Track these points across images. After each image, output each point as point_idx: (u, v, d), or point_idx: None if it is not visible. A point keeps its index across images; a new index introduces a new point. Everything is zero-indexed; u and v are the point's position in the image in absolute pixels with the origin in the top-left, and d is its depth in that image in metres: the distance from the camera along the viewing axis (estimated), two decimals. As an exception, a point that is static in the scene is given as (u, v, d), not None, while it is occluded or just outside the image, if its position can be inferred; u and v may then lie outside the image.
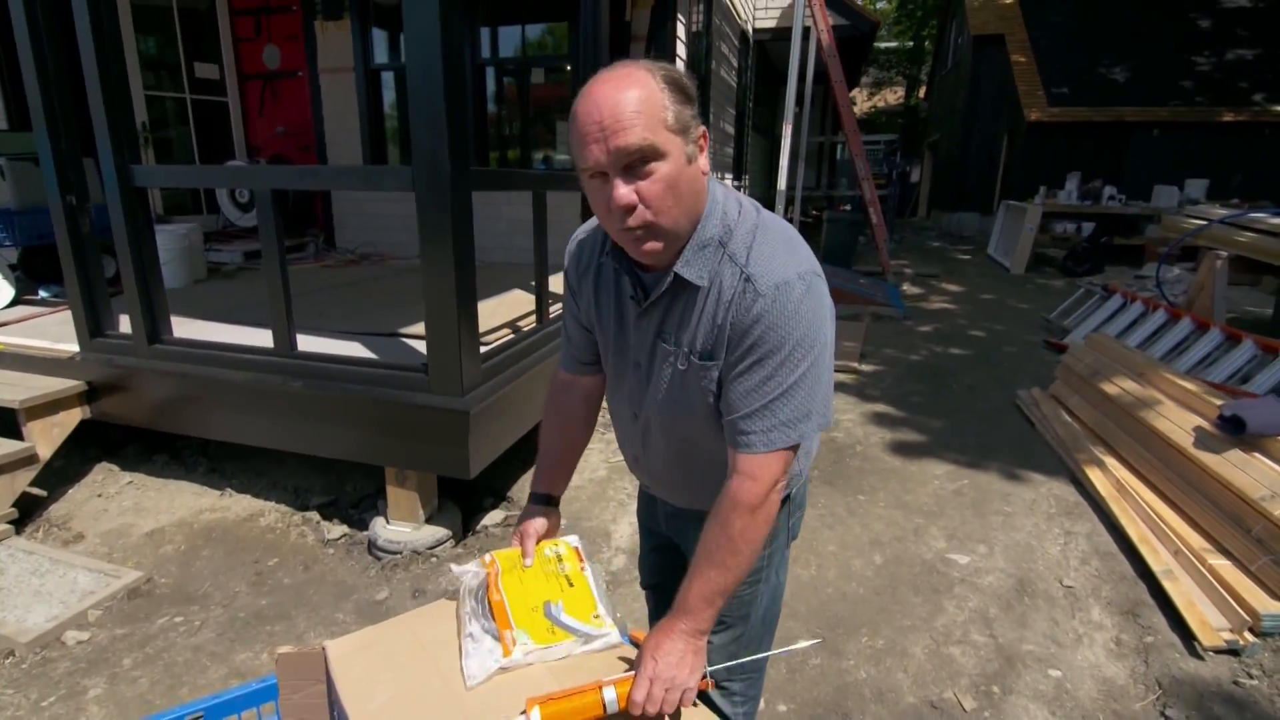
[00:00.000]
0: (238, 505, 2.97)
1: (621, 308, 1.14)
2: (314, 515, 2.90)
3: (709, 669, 1.08)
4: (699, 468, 1.16)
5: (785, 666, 2.08)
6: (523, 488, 3.17)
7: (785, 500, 1.22)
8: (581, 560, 1.28)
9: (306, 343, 2.79)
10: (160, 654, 2.12)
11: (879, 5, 25.25)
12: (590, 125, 0.90)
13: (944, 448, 3.70)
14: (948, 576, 2.57)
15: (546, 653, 1.11)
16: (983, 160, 14.59)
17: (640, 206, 0.92)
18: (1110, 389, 3.66)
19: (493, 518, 2.93)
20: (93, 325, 2.98)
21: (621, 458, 3.37)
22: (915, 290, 8.08)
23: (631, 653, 1.12)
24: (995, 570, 2.63)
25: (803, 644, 1.20)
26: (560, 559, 1.27)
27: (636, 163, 0.90)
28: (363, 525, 2.86)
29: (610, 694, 1.05)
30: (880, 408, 4.26)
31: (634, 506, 3.01)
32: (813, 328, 0.98)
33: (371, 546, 2.69)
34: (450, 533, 2.71)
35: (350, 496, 3.06)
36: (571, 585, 1.23)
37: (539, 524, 1.28)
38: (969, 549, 2.76)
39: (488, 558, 1.26)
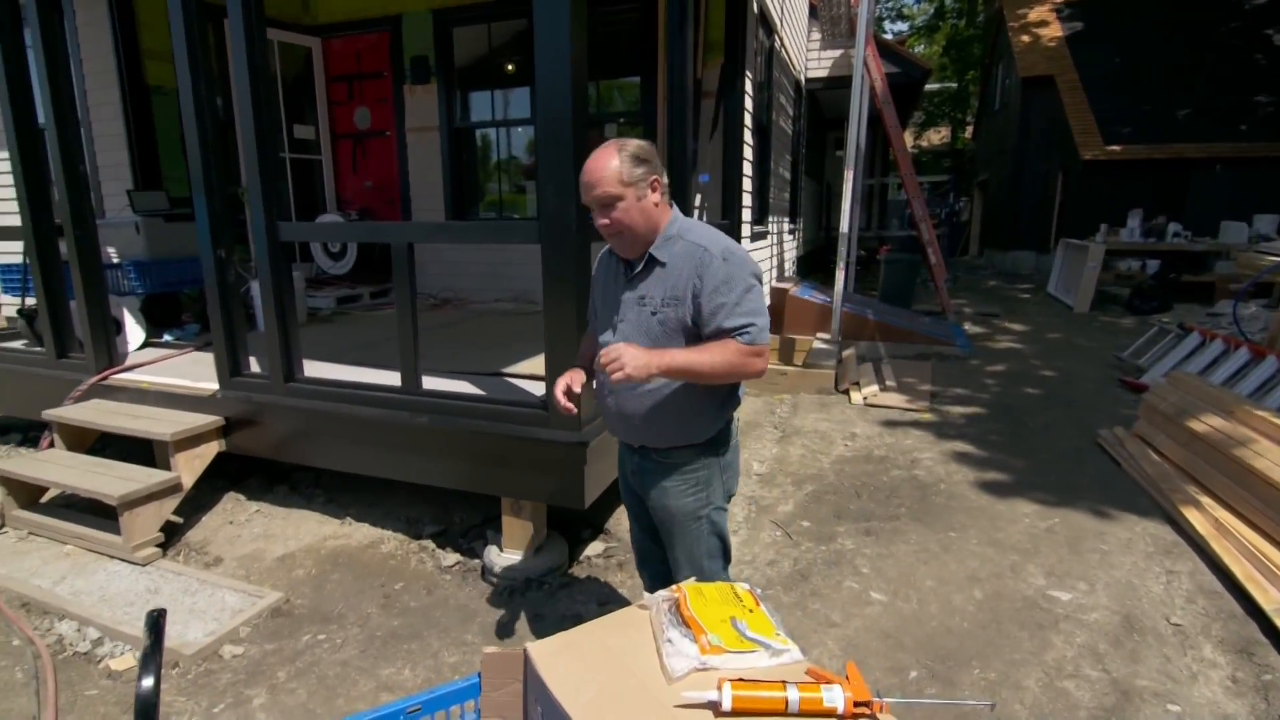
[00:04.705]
0: (358, 533, 3.18)
1: (616, 282, 1.78)
2: (429, 544, 3.09)
3: (883, 698, 1.18)
4: (652, 397, 1.70)
5: (901, 695, 2.14)
6: (618, 520, 3.31)
7: (717, 456, 1.78)
8: (757, 601, 1.42)
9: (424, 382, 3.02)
10: (311, 668, 2.30)
11: (918, 49, 25.62)
12: (583, 183, 1.64)
13: (1029, 486, 3.71)
14: (1051, 613, 2.60)
15: (739, 658, 1.24)
16: (1036, 199, 14.52)
17: (611, 225, 1.64)
18: (1199, 428, 3.64)
19: (594, 549, 3.07)
20: (233, 365, 3.27)
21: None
22: (977, 329, 8.06)
23: (818, 671, 1.23)
24: (1099, 607, 2.64)
25: (979, 703, 1.37)
26: (738, 596, 1.42)
27: (606, 203, 1.62)
28: (472, 554, 3.03)
29: (794, 694, 1.17)
30: (959, 446, 4.29)
31: (730, 539, 3.11)
32: (752, 273, 1.64)
33: (485, 573, 2.85)
34: (560, 562, 2.86)
35: (459, 527, 3.25)
36: (751, 613, 1.36)
37: (579, 374, 1.85)
38: (1069, 586, 2.78)
39: (674, 587, 1.42)
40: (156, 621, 0.83)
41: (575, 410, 1.78)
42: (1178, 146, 11.79)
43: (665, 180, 1.68)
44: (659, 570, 1.97)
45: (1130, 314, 8.98)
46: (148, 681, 0.77)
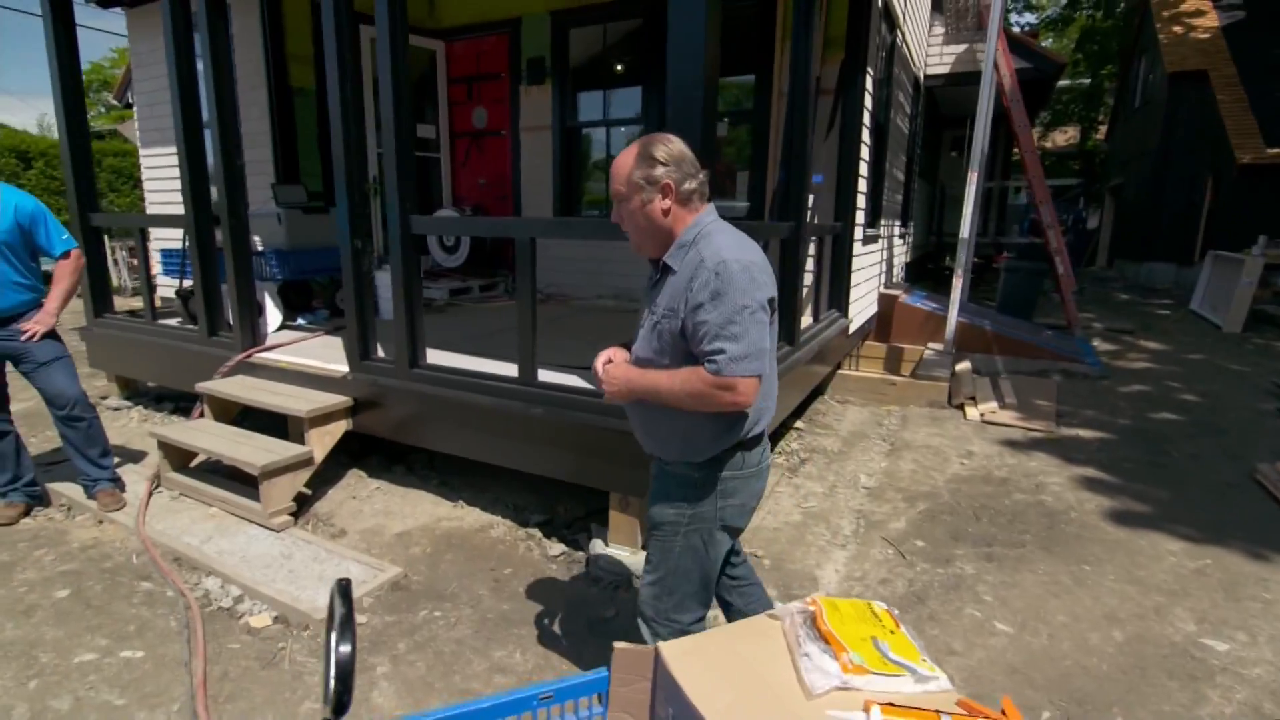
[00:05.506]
0: (470, 517, 3.30)
1: (645, 289, 1.73)
2: (535, 532, 3.16)
3: None
4: (652, 411, 1.64)
5: (1033, 736, 1.99)
6: (721, 524, 3.26)
7: (716, 479, 1.63)
8: (896, 622, 1.34)
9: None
10: (428, 643, 2.40)
11: (1046, 43, 23.85)
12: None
13: (1173, 521, 3.37)
14: (1205, 664, 2.34)
15: (884, 681, 1.18)
16: (1180, 206, 13.25)
17: (619, 223, 1.65)
18: (1391, 469, 3.19)
19: (696, 550, 3.04)
20: (363, 350, 3.47)
21: (814, 504, 3.40)
22: (1107, 347, 7.44)
23: (971, 704, 1.14)
24: (1262, 662, 2.35)
25: None
26: (876, 615, 1.35)
27: (616, 199, 1.62)
28: (576, 545, 3.07)
29: (946, 726, 1.09)
30: (1090, 473, 3.96)
31: (838, 553, 3.01)
32: (745, 291, 1.46)
33: (589, 565, 2.88)
34: (664, 561, 2.85)
35: (563, 517, 3.31)
36: (892, 634, 1.29)
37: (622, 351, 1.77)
38: (1226, 636, 2.50)
39: (808, 599, 1.37)
40: (346, 590, 0.87)
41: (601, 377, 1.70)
42: (1358, 149, 10.44)
43: (692, 185, 1.57)
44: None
45: (1292, 336, 8.03)
46: (345, 648, 0.81)
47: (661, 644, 1.32)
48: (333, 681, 0.72)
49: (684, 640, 1.34)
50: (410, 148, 3.20)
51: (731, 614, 1.93)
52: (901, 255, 8.96)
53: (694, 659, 1.29)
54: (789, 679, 1.23)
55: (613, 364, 1.67)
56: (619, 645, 1.35)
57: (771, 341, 1.61)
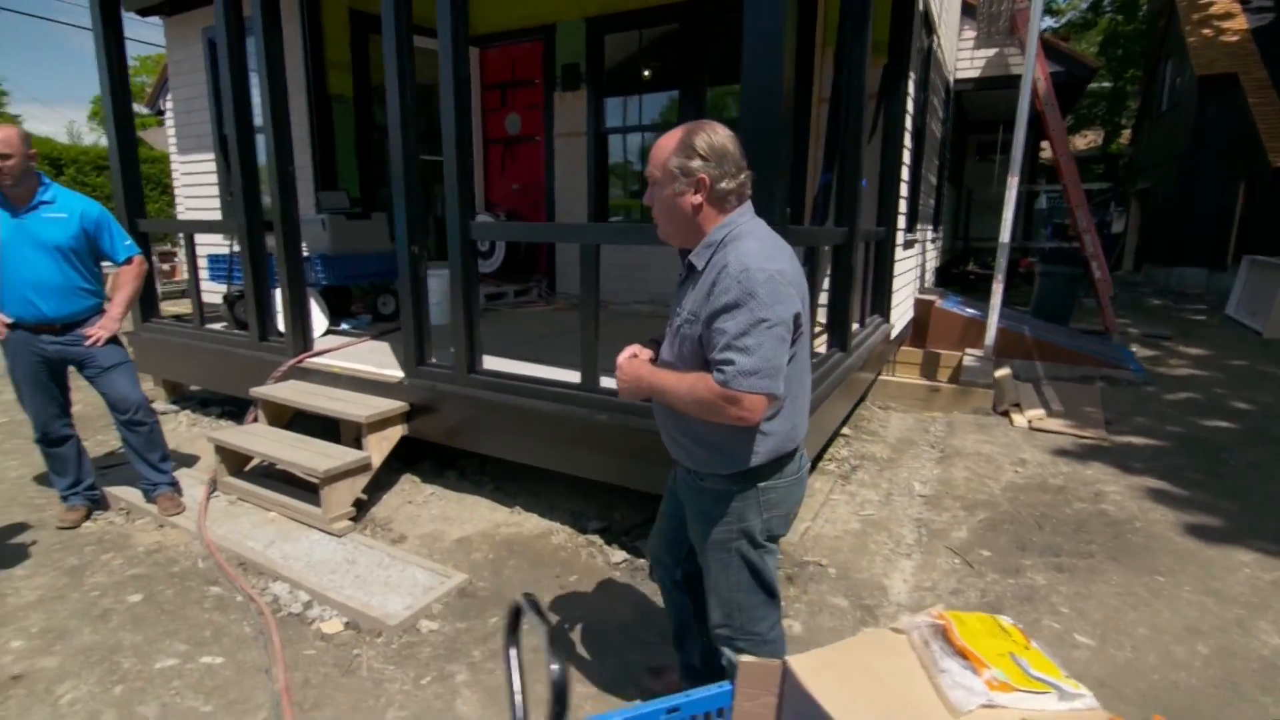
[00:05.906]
0: (529, 523, 3.29)
1: (675, 288, 1.64)
2: (595, 539, 3.15)
3: None
4: (681, 417, 1.56)
5: (1132, 752, 1.95)
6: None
7: (754, 490, 1.57)
8: (1027, 637, 1.31)
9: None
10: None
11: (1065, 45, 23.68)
12: None
13: (1243, 532, 3.31)
14: (1298, 679, 2.29)
15: (1030, 699, 1.15)
16: (1210, 210, 13.07)
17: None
18: None
19: (758, 559, 3.02)
20: (419, 355, 3.48)
21: (871, 512, 3.37)
22: (1146, 353, 7.34)
23: None
24: (1357, 679, 2.30)
25: None
26: (1005, 630, 1.32)
27: (652, 182, 1.53)
28: (637, 553, 3.05)
29: (1104, 746, 1.07)
30: (1149, 482, 3.90)
31: (904, 562, 2.98)
32: (766, 304, 1.37)
33: (652, 573, 2.86)
34: (730, 569, 2.83)
35: (620, 524, 3.29)
36: (1027, 650, 1.27)
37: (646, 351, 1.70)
38: (1314, 650, 2.44)
39: (935, 611, 1.34)
40: (536, 604, 0.87)
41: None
42: (1398, 152, 10.26)
43: (729, 185, 1.47)
44: (665, 580, 2.02)
45: (1335, 342, 7.89)
46: (557, 665, 0.80)
47: (790, 658, 1.30)
48: (517, 699, 0.71)
49: (811, 655, 1.32)
50: (469, 155, 3.22)
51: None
52: (933, 260, 8.91)
53: (827, 674, 1.26)
54: (928, 695, 1.21)
55: (634, 359, 1.62)
56: (744, 659, 1.33)
57: (804, 359, 1.56)
